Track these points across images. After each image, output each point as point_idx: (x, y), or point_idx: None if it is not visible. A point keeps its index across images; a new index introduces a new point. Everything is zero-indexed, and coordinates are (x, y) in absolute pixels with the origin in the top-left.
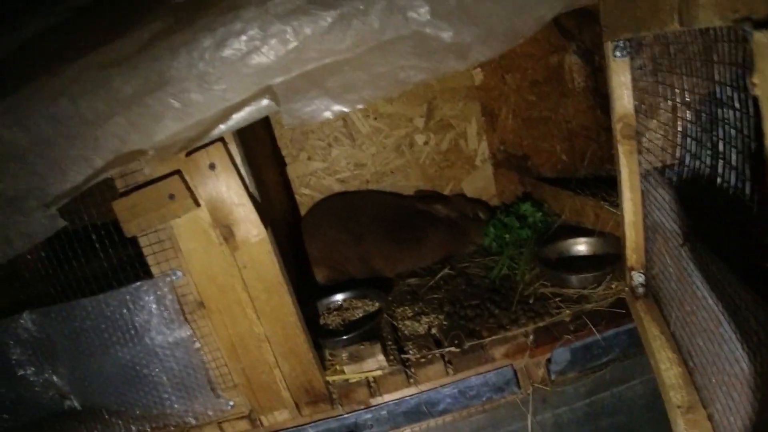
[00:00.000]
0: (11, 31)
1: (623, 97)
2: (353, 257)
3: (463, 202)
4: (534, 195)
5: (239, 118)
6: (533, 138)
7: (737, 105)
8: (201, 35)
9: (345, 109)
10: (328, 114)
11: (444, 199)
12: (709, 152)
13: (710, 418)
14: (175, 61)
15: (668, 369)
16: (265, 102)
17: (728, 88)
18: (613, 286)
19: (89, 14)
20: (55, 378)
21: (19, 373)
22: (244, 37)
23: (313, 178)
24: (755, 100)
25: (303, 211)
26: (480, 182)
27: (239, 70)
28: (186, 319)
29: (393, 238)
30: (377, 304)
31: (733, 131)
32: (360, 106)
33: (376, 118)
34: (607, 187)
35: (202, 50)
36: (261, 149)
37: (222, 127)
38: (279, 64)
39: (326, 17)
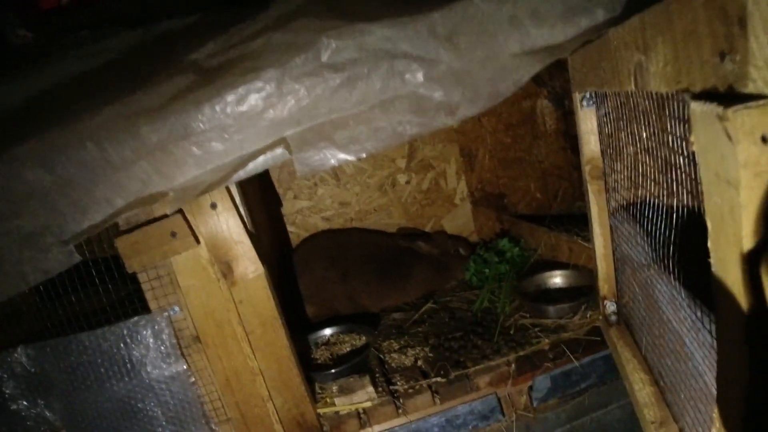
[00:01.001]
0: (36, 75)
1: (590, 142)
2: (340, 294)
3: (445, 238)
4: (511, 231)
5: (256, 165)
6: (509, 177)
7: (685, 152)
8: (224, 91)
9: (350, 158)
10: (334, 162)
11: (426, 236)
12: (665, 191)
13: (681, 431)
14: (199, 114)
15: (641, 389)
16: (279, 151)
17: (678, 138)
18: (588, 316)
19: (114, 65)
20: (47, 413)
21: (12, 408)
22: (263, 94)
23: (299, 216)
24: (694, 153)
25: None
26: (459, 219)
27: (256, 123)
28: (182, 353)
29: (378, 275)
30: (364, 339)
31: (683, 174)
32: (363, 155)
33: (360, 159)
34: (579, 222)
35: (224, 104)
36: (252, 190)
37: (241, 173)
38: (292, 119)
39: (335, 79)
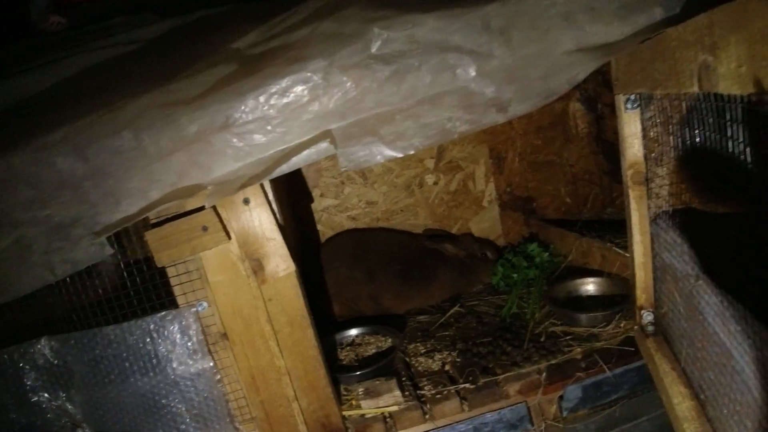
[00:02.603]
0: (69, 61)
1: (634, 146)
2: (364, 295)
3: (471, 241)
4: (539, 236)
5: (299, 159)
6: (538, 181)
7: (749, 161)
8: (268, 81)
9: (396, 155)
10: (380, 158)
11: (453, 238)
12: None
13: None
14: (242, 104)
15: (681, 403)
16: (323, 145)
17: (740, 143)
18: (621, 325)
19: (150, 53)
20: (69, 405)
21: (32, 399)
22: (309, 85)
23: (324, 215)
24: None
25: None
26: (486, 222)
27: (301, 115)
28: (209, 350)
29: (403, 276)
30: (390, 341)
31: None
32: (410, 152)
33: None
34: (611, 229)
35: (268, 95)
36: (278, 185)
37: (284, 167)
38: (338, 111)
39: (384, 71)
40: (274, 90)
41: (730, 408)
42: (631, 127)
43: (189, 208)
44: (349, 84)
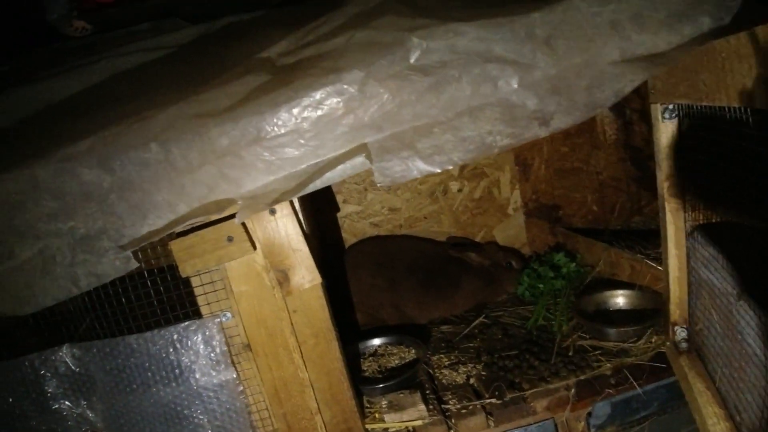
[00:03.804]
0: (93, 68)
1: (671, 158)
2: (387, 303)
3: (496, 250)
4: (566, 245)
5: (334, 174)
6: (565, 188)
7: None
8: (302, 93)
9: (434, 170)
10: (416, 173)
11: (477, 246)
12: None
13: None
14: (275, 117)
15: (715, 424)
16: (359, 159)
17: None
18: (652, 340)
19: (177, 61)
20: (89, 413)
21: (53, 407)
22: (344, 97)
23: (347, 221)
24: None
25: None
26: (511, 230)
27: (335, 128)
28: (232, 361)
29: (427, 285)
30: (413, 352)
31: None
32: (449, 168)
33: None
34: (640, 239)
35: (301, 108)
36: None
37: (317, 182)
38: (374, 124)
39: (423, 82)
40: (307, 103)
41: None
42: (668, 138)
43: (215, 217)
44: (386, 96)
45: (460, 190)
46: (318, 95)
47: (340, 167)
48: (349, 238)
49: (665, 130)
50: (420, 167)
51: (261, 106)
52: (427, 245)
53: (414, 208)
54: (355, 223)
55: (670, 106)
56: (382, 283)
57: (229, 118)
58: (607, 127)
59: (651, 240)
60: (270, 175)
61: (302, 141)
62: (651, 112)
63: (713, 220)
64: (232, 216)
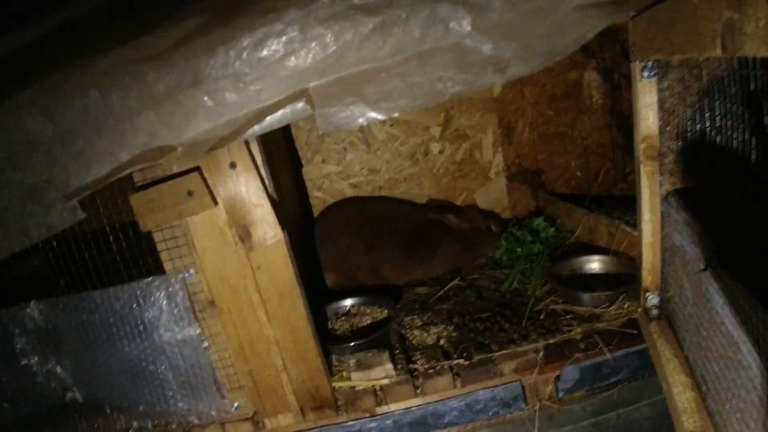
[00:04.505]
0: (36, 19)
1: (648, 118)
2: (364, 265)
3: (476, 213)
4: (547, 210)
5: (273, 120)
6: (548, 153)
7: None
8: (240, 34)
9: (380, 117)
10: (362, 121)
11: (457, 209)
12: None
13: None
14: (212, 59)
15: (681, 393)
16: (300, 105)
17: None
18: (625, 306)
19: (118, 6)
20: (58, 369)
21: (22, 363)
22: (283, 39)
23: (326, 182)
24: None
25: (315, 213)
26: (493, 194)
27: (276, 72)
28: (196, 317)
29: (405, 247)
30: (386, 312)
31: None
32: (395, 115)
33: (392, 125)
34: (621, 206)
35: (240, 50)
36: (277, 150)
37: (256, 128)
38: (316, 68)
39: (368, 23)
40: (245, 44)
41: (733, 404)
42: (647, 98)
43: (175, 171)
44: (328, 38)
45: (441, 152)
46: (256, 36)
47: (280, 112)
48: (327, 199)
49: (644, 90)
50: (365, 114)
51: (198, 48)
52: (407, 207)
53: (394, 169)
54: (334, 183)
55: (649, 64)
56: (360, 244)
57: (166, 62)
58: (594, 91)
59: (632, 207)
60: (210, 121)
61: (242, 85)
62: (631, 70)
63: (690, 185)
64: (193, 170)
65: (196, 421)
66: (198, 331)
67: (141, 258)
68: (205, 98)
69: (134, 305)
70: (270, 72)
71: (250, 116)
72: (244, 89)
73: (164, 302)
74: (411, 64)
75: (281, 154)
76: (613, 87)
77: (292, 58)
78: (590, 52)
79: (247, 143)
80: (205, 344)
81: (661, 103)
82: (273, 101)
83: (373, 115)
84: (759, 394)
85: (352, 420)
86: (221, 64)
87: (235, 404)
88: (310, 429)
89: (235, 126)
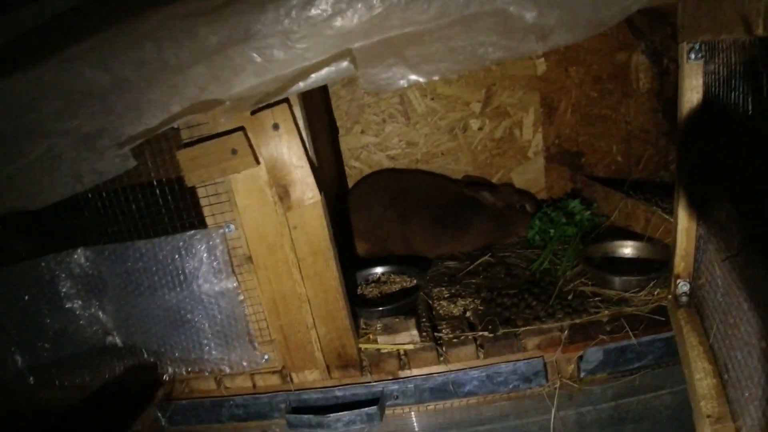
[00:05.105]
0: None
1: (692, 101)
2: (396, 235)
3: (511, 192)
4: (584, 193)
5: (318, 77)
6: (590, 135)
7: None
8: None
9: (421, 79)
10: (403, 82)
11: (492, 187)
12: None
13: (738, 430)
14: (262, 16)
15: (702, 379)
16: (344, 64)
17: None
18: (655, 293)
19: None
20: (100, 314)
21: (66, 306)
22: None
23: (364, 152)
24: None
25: (351, 183)
26: (530, 174)
27: (322, 31)
28: (234, 271)
29: (438, 220)
30: (415, 281)
31: None
32: (436, 78)
33: (433, 99)
34: (661, 193)
35: (289, 8)
36: (318, 117)
37: (301, 84)
38: (361, 29)
39: None
40: (294, 2)
41: (753, 392)
42: (692, 80)
43: (221, 129)
44: None
45: (480, 129)
46: None
47: (324, 70)
48: (365, 169)
49: (690, 72)
50: (407, 76)
51: (249, 4)
52: (442, 181)
53: (432, 143)
54: (372, 154)
55: (696, 46)
56: (394, 214)
57: (219, 17)
58: (642, 74)
59: (672, 194)
60: (258, 77)
61: (289, 43)
62: (678, 52)
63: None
64: (237, 129)
65: (227, 370)
66: (235, 285)
67: (185, 212)
68: (254, 54)
69: (176, 256)
70: (316, 31)
71: (294, 74)
72: (291, 47)
73: (204, 255)
74: (454, 28)
75: (322, 122)
76: (662, 71)
77: (339, 18)
78: (639, 34)
79: (290, 106)
80: (241, 297)
81: (707, 86)
82: (318, 60)
83: (413, 77)
84: None
85: (375, 381)
86: (271, 20)
87: (266, 356)
88: (335, 386)
89: (280, 82)
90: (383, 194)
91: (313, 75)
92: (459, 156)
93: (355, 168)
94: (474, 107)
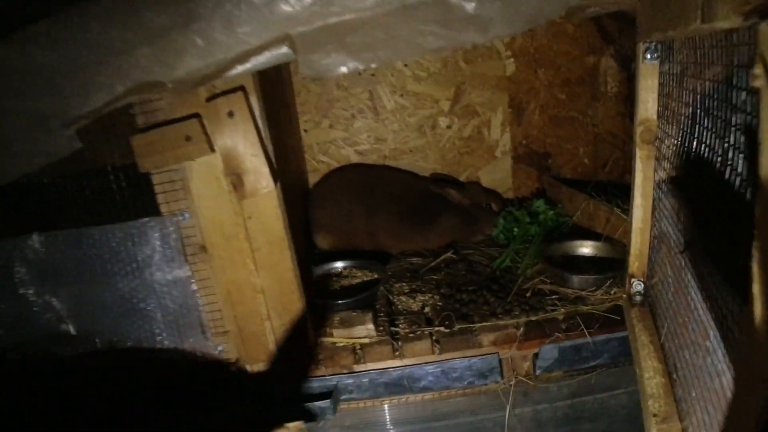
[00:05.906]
0: None
1: (648, 101)
2: (362, 230)
3: (478, 191)
4: (549, 194)
5: (257, 61)
6: (557, 137)
7: (748, 108)
8: None
9: (360, 66)
10: (343, 69)
11: (459, 185)
12: (719, 159)
13: (684, 430)
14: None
15: (651, 378)
16: (284, 49)
17: (743, 92)
18: (612, 292)
19: None
20: (54, 301)
21: (20, 292)
22: None
23: (332, 147)
24: (755, 94)
25: (318, 177)
26: (498, 174)
27: (263, 16)
28: (187, 260)
29: (404, 217)
30: (376, 276)
31: (742, 136)
32: (374, 65)
33: (402, 95)
34: (624, 195)
35: None
36: (284, 111)
37: (239, 67)
38: (302, 15)
39: None
40: None
41: (698, 391)
42: (648, 81)
43: (176, 116)
44: None
45: (449, 127)
46: None
47: (264, 55)
48: (332, 164)
49: (646, 72)
50: (347, 63)
51: None
52: (410, 178)
53: (400, 140)
54: (340, 149)
55: (652, 46)
56: (361, 209)
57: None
58: (610, 78)
59: None
60: (200, 60)
61: (230, 27)
62: (636, 52)
63: (685, 173)
64: (192, 116)
65: (180, 361)
66: (188, 274)
67: (139, 199)
68: (196, 38)
69: (129, 243)
70: (258, 16)
71: (236, 58)
72: (232, 31)
73: (158, 243)
74: (394, 16)
75: (288, 116)
76: (630, 76)
77: (280, 4)
78: (609, 38)
79: (246, 94)
80: (194, 287)
81: (662, 86)
82: (258, 44)
83: (353, 64)
84: (721, 382)
85: (330, 374)
86: (213, 4)
87: (220, 348)
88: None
89: (220, 65)
90: (351, 189)
91: (252, 59)
92: (427, 153)
93: (323, 162)
94: (443, 105)
